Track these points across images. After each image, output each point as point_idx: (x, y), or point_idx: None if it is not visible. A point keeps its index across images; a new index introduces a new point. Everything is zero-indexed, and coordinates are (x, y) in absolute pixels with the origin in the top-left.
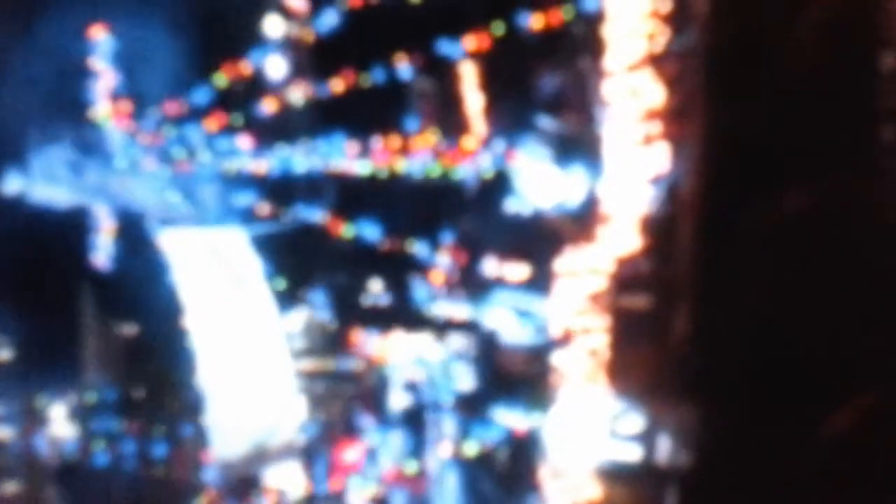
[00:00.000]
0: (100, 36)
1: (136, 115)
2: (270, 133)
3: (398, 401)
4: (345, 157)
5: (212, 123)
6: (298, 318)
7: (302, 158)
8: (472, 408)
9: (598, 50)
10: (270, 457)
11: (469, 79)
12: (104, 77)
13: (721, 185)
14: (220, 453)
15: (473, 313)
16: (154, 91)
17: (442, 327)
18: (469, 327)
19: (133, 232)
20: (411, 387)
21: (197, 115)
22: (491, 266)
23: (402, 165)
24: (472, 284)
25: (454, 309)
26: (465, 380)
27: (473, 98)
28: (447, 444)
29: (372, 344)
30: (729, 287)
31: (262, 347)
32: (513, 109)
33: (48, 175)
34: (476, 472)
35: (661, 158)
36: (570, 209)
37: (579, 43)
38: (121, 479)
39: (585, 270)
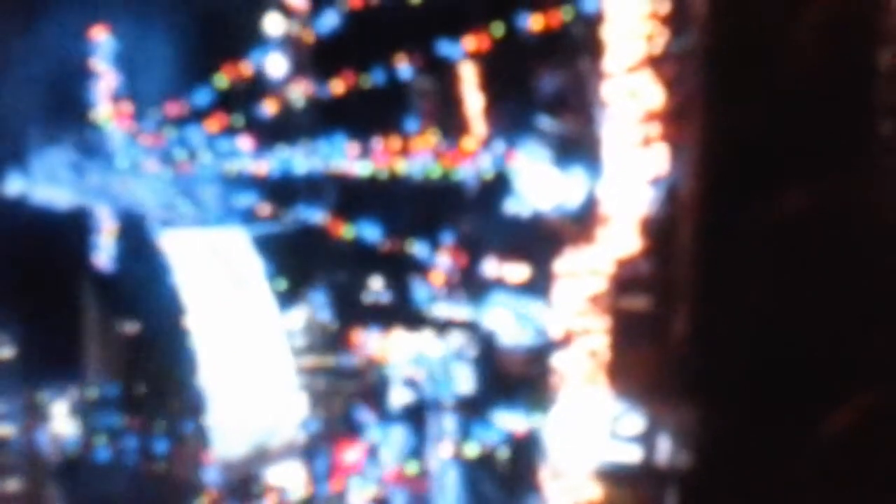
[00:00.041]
0: (101, 37)
1: (138, 117)
2: (271, 134)
3: (399, 398)
4: (345, 157)
5: (213, 124)
6: (299, 315)
7: (302, 159)
8: (472, 409)
9: (598, 51)
10: (271, 457)
11: (469, 80)
12: (105, 78)
13: (721, 186)
14: (220, 454)
15: (473, 314)
16: (155, 92)
17: (442, 326)
18: (469, 328)
19: (134, 233)
20: (412, 384)
21: (198, 116)
22: (491, 267)
23: (403, 166)
24: (472, 285)
25: (454, 310)
26: (466, 381)
27: (473, 99)
28: (448, 444)
29: (373, 343)
30: (729, 287)
31: (262, 348)
32: (512, 110)
33: (50, 176)
34: (477, 472)
35: (660, 159)
36: (569, 210)
37: (579, 44)
38: (122, 475)
39: (585, 271)
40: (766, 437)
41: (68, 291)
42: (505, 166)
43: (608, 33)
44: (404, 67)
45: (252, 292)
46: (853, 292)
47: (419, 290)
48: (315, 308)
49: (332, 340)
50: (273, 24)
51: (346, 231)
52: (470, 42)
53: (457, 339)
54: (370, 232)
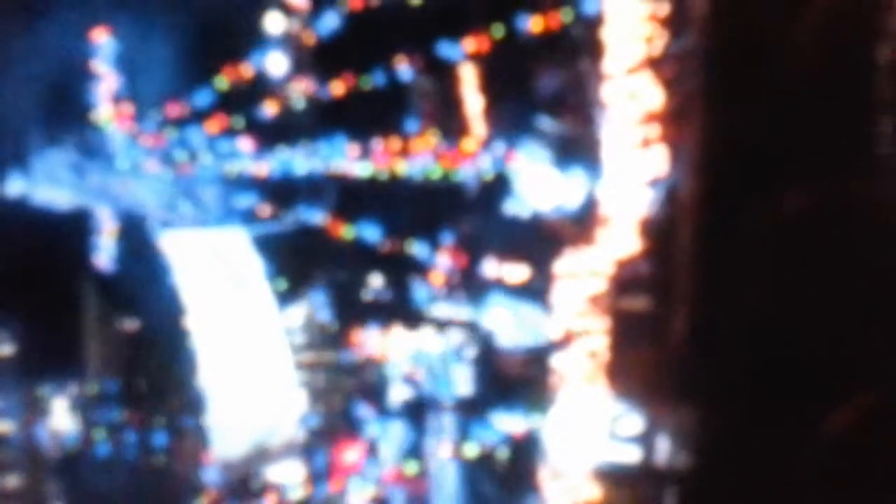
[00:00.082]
0: (102, 39)
1: (138, 118)
2: (271, 135)
3: (398, 394)
4: (345, 158)
5: (213, 125)
6: (299, 313)
7: (303, 160)
8: (471, 409)
9: (597, 52)
10: (271, 456)
11: (469, 81)
12: (106, 80)
13: (720, 187)
14: (220, 453)
15: (473, 315)
16: (155, 93)
17: (442, 325)
18: (469, 328)
19: (135, 233)
20: (411, 381)
21: (198, 117)
22: (491, 267)
23: (403, 167)
24: (471, 286)
25: (454, 310)
26: (465, 381)
27: (473, 100)
28: (447, 444)
29: (372, 341)
30: (728, 288)
31: (262, 348)
32: (512, 111)
33: (50, 177)
34: (476, 472)
35: (660, 160)
36: (569, 211)
37: (579, 46)
38: (121, 471)
39: (585, 272)
40: (765, 437)
41: (68, 290)
42: (505, 167)
43: (608, 35)
44: (404, 68)
45: (252, 292)
46: (853, 292)
47: (419, 291)
48: (315, 307)
49: (332, 338)
50: (273, 22)
51: (347, 232)
52: (470, 43)
53: (456, 336)
54: (370, 232)
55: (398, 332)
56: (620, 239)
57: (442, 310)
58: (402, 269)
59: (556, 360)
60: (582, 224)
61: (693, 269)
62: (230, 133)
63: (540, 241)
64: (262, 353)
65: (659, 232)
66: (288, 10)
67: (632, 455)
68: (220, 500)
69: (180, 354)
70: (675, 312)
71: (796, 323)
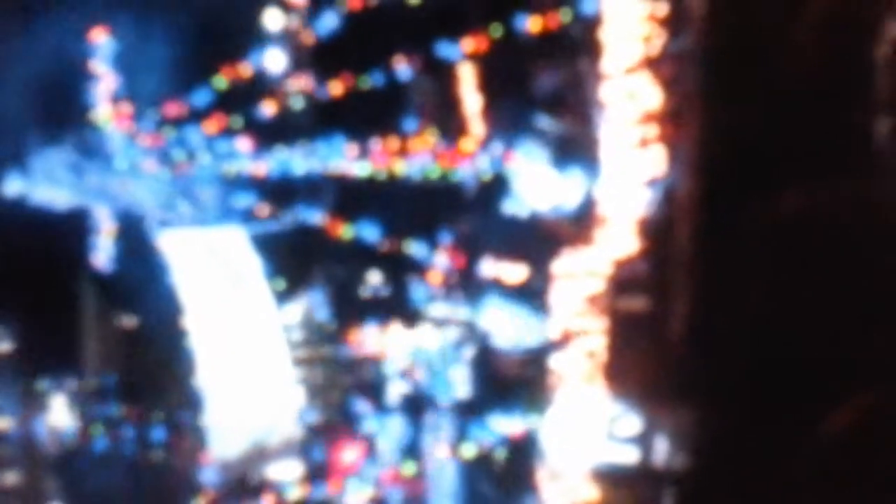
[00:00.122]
0: (100, 39)
1: (137, 117)
2: (270, 135)
3: (396, 390)
4: (344, 158)
5: (211, 125)
6: (297, 309)
7: (301, 160)
8: (469, 410)
9: (596, 52)
10: (269, 455)
11: (467, 80)
12: (105, 79)
13: (718, 187)
14: (218, 453)
15: (471, 314)
16: (154, 93)
17: (440, 323)
18: (467, 328)
19: (133, 233)
20: (409, 377)
21: (197, 116)
22: (489, 267)
23: (401, 167)
24: (469, 285)
25: (452, 310)
26: (463, 381)
27: (472, 100)
28: (445, 445)
29: (371, 339)
30: (726, 288)
31: (260, 347)
32: (511, 111)
33: (49, 176)
34: (474, 473)
35: (658, 160)
36: (567, 211)
37: (577, 45)
38: (120, 466)
39: (583, 272)
40: (763, 438)
41: (67, 288)
42: (503, 167)
43: (606, 34)
44: (403, 68)
45: (250, 291)
46: (851, 292)
47: (417, 290)
48: (313, 306)
49: (330, 335)
50: (272, 19)
51: (345, 231)
52: (469, 43)
53: (454, 335)
54: (369, 232)
55: (396, 328)
56: (618, 239)
57: (440, 309)
58: (400, 269)
59: (554, 361)
60: (580, 224)
61: (691, 269)
62: (228, 133)
63: (538, 241)
64: (260, 353)
65: (657, 232)
66: (286, 7)
67: (630, 456)
68: (217, 501)
69: (178, 353)
70: (673, 312)
71: (794, 323)
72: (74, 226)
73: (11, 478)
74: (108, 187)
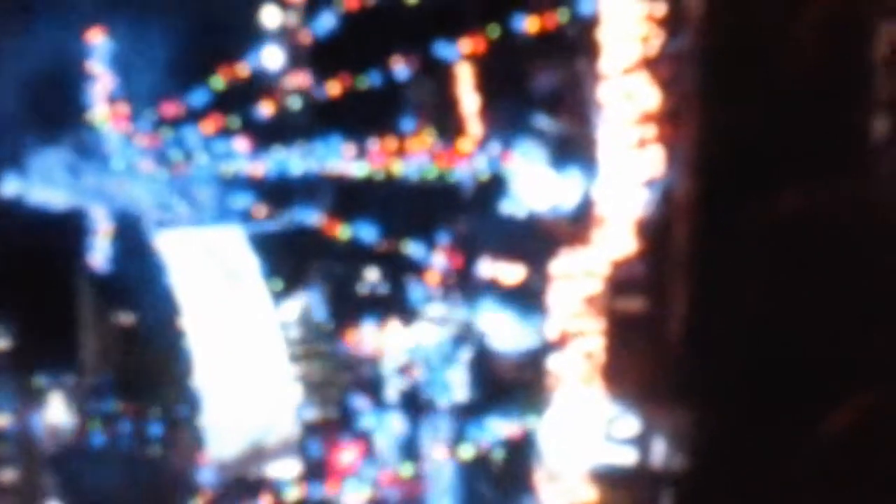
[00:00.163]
0: (97, 39)
1: (134, 118)
2: (267, 135)
3: (394, 387)
4: (341, 158)
5: (209, 125)
6: (294, 307)
7: (299, 160)
8: (467, 411)
9: (594, 53)
10: (267, 455)
11: (465, 81)
12: (102, 80)
13: (716, 187)
14: (216, 453)
15: (469, 315)
16: (151, 93)
17: (438, 324)
18: (464, 329)
19: (130, 233)
20: (407, 374)
21: (194, 117)
22: (486, 268)
23: (399, 167)
24: (467, 286)
25: (449, 310)
26: (461, 383)
27: (469, 100)
28: (443, 446)
29: (369, 338)
30: (725, 288)
31: (258, 347)
32: (508, 111)
33: (46, 177)
34: (472, 474)
35: (656, 161)
36: (565, 211)
37: (575, 46)
38: (117, 462)
39: (581, 273)
40: (761, 438)
41: (64, 287)
42: (501, 167)
43: (604, 35)
44: (400, 68)
45: (247, 290)
46: (850, 292)
47: (415, 291)
48: (311, 305)
49: (327, 334)
50: (269, 16)
51: (343, 231)
52: (466, 43)
53: (452, 336)
54: (366, 232)
55: (394, 326)
56: (616, 239)
57: (437, 310)
58: (397, 269)
59: (551, 361)
60: (578, 224)
61: (689, 270)
62: (226, 133)
63: (536, 242)
64: (257, 352)
65: (655, 232)
66: (283, 4)
67: (628, 457)
68: (215, 500)
69: (176, 353)
70: (671, 313)
71: (793, 323)
72: (72, 226)
73: (9, 474)
74: (105, 187)
